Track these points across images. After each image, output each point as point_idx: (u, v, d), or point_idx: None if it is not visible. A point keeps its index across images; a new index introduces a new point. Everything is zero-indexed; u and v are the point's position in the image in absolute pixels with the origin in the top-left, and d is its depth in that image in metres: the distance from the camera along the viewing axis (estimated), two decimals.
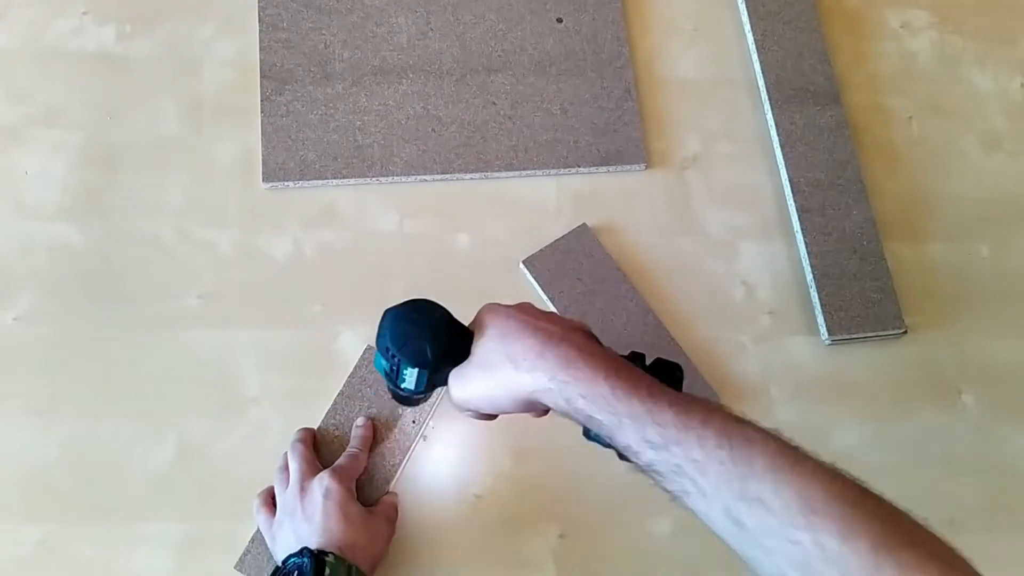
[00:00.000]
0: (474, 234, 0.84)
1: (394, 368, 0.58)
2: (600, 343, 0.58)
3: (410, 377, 0.58)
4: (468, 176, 0.86)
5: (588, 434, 0.55)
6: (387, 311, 0.58)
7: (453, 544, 0.74)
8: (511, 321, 0.56)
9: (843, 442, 0.80)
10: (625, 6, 0.95)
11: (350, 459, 0.71)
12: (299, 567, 0.60)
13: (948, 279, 0.87)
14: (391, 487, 0.74)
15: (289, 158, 0.84)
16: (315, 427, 0.75)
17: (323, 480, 0.67)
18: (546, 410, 0.56)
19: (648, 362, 0.58)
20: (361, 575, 0.63)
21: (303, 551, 0.62)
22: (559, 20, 0.93)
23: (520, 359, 0.54)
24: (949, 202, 0.91)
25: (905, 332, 0.83)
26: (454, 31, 0.91)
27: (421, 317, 0.58)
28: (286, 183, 0.84)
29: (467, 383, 0.57)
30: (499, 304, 0.59)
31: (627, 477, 0.77)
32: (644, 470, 0.50)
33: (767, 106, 0.91)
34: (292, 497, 0.68)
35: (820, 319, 0.83)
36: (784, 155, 0.88)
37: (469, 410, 0.58)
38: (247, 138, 0.85)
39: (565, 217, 0.86)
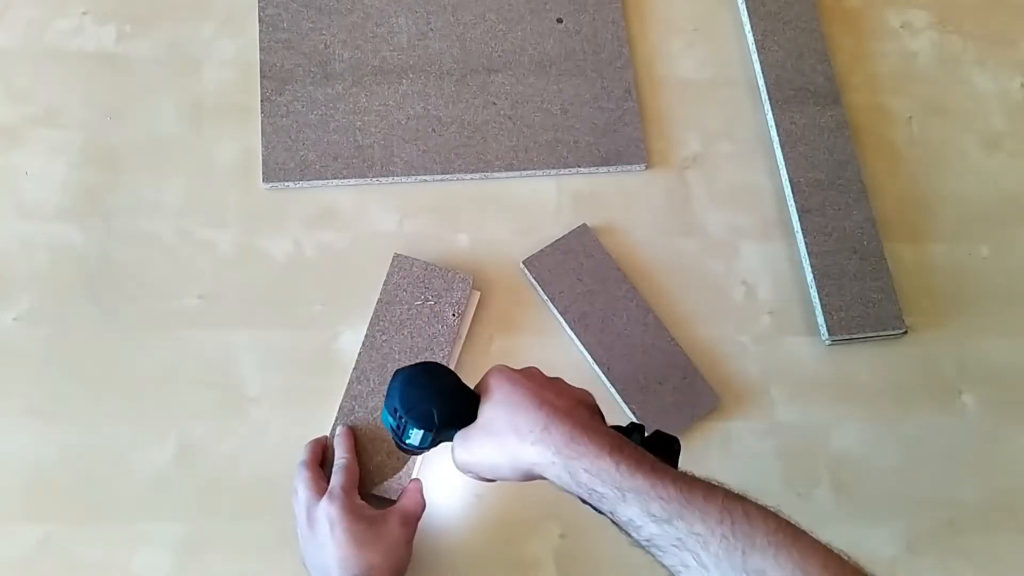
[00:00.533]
0: (474, 234, 0.84)
1: (400, 427, 0.60)
2: (603, 417, 0.59)
3: (415, 436, 0.59)
4: (468, 176, 0.86)
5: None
6: (397, 372, 0.61)
7: (454, 544, 0.74)
8: (518, 389, 0.57)
9: (843, 442, 0.80)
10: (625, 6, 0.95)
11: (342, 472, 0.70)
12: None
13: (948, 279, 0.87)
14: (414, 473, 0.74)
15: (289, 158, 0.84)
16: (327, 435, 0.75)
17: (324, 509, 0.66)
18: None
19: (647, 434, 0.60)
20: None
21: None
22: (559, 20, 0.93)
23: (525, 431, 0.55)
24: (949, 202, 0.91)
25: (905, 332, 0.83)
26: (454, 31, 0.91)
27: (430, 381, 0.60)
28: (286, 183, 0.84)
29: (471, 447, 0.58)
30: (507, 368, 0.60)
31: None
32: (643, 545, 0.52)
33: (767, 106, 0.91)
34: (304, 525, 0.68)
35: (820, 319, 0.83)
36: (784, 155, 0.88)
37: (470, 472, 0.60)
38: (247, 138, 0.85)
39: (565, 217, 0.86)
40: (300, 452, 0.72)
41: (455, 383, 0.61)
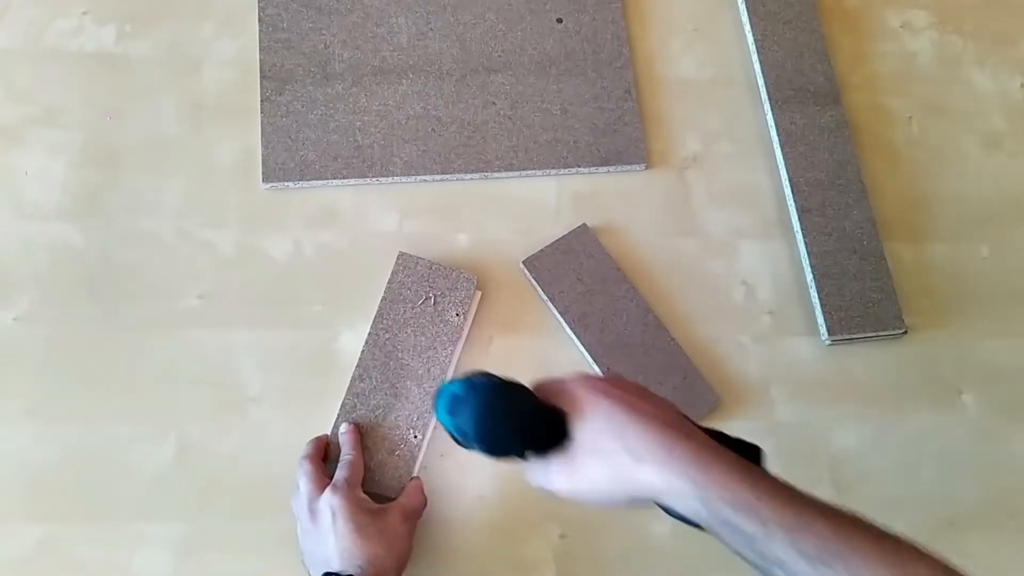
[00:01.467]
0: (474, 234, 0.84)
1: (469, 446, 0.53)
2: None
3: (484, 455, 0.54)
4: (468, 176, 0.86)
5: (672, 512, 0.50)
6: (467, 390, 0.52)
7: (454, 544, 0.74)
8: (619, 405, 0.51)
9: (843, 442, 0.80)
10: (625, 6, 0.95)
11: (347, 467, 0.70)
12: None
13: (948, 279, 0.87)
14: (415, 471, 0.74)
15: (289, 158, 0.84)
16: (327, 433, 0.75)
17: (327, 500, 0.66)
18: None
19: (725, 442, 0.53)
20: None
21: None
22: (559, 20, 0.93)
23: (643, 452, 0.49)
24: (949, 202, 0.91)
25: (905, 332, 0.83)
26: (454, 31, 0.91)
27: (508, 406, 0.52)
28: (286, 183, 0.84)
29: (574, 472, 0.52)
30: (594, 379, 0.54)
31: None
32: None
33: (767, 106, 0.91)
34: (305, 518, 0.68)
35: (820, 319, 0.83)
36: (784, 155, 0.88)
37: (567, 497, 0.53)
38: (247, 138, 0.85)
39: (565, 217, 0.86)
40: (302, 448, 0.72)
41: (536, 407, 0.53)
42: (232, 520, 0.73)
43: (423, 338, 0.77)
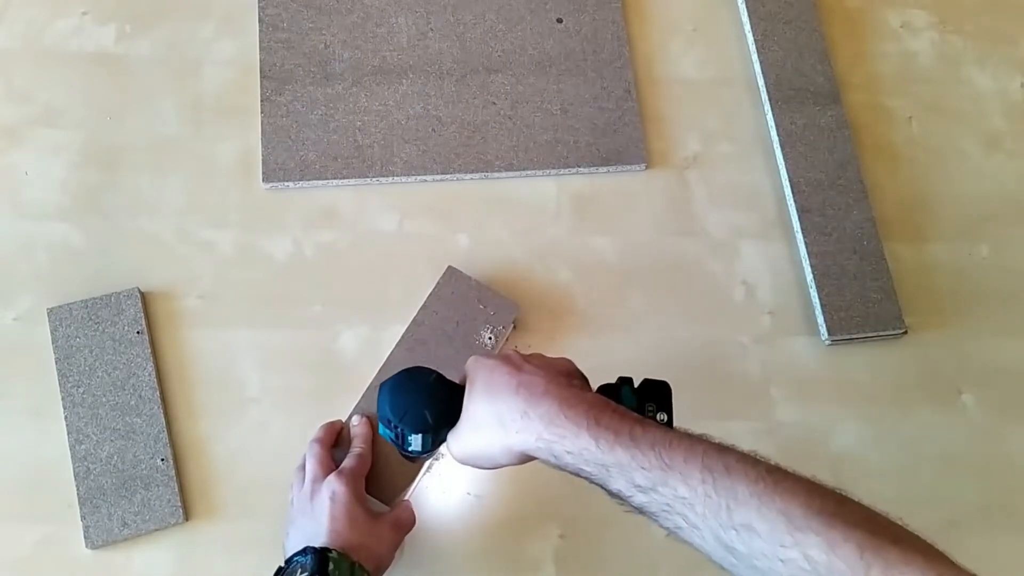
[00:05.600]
0: (474, 234, 0.84)
1: (399, 436, 0.60)
2: (585, 380, 0.60)
3: (415, 441, 0.60)
4: (468, 176, 0.86)
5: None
6: (382, 384, 0.61)
7: (454, 544, 0.74)
8: (495, 376, 0.57)
9: (843, 442, 0.80)
10: (625, 6, 0.95)
11: (356, 459, 0.70)
12: (302, 564, 0.61)
13: (948, 279, 0.87)
14: (408, 494, 0.73)
15: (289, 158, 0.84)
16: (342, 419, 0.75)
17: (331, 483, 0.67)
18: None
19: (637, 384, 0.60)
20: (365, 572, 0.63)
21: (306, 550, 0.62)
22: (559, 20, 0.93)
23: (508, 420, 0.55)
24: (949, 202, 0.91)
25: (905, 332, 0.83)
26: (454, 31, 0.91)
27: (415, 385, 0.61)
28: (286, 183, 0.84)
29: (463, 443, 0.59)
30: (483, 357, 0.61)
31: None
32: (639, 511, 0.53)
33: (767, 106, 0.91)
34: (303, 497, 0.68)
35: (820, 319, 0.83)
36: (784, 155, 0.88)
37: (470, 465, 0.60)
38: (247, 138, 0.85)
39: (565, 217, 0.86)
40: (313, 431, 0.72)
41: (439, 381, 0.62)
42: (232, 520, 0.73)
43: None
